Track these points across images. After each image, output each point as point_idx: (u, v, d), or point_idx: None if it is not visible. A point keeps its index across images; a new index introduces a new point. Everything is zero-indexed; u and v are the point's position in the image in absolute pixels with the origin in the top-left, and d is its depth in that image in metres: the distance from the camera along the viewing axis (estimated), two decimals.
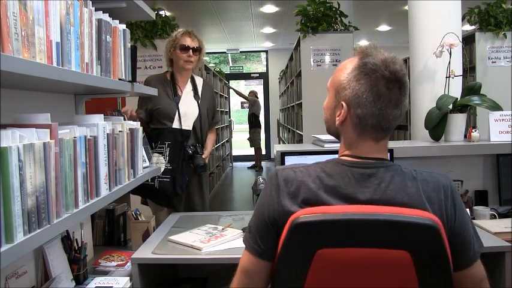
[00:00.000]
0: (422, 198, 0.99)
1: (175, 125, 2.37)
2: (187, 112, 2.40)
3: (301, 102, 4.42)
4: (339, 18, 4.22)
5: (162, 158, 2.31)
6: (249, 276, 1.07)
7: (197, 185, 2.51)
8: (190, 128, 2.40)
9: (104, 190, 1.34)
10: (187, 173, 2.41)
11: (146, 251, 1.64)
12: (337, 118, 1.06)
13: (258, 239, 1.04)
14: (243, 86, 12.02)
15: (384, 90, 0.99)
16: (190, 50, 2.38)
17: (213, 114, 2.58)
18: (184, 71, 2.44)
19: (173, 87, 2.43)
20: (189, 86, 2.48)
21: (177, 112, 2.37)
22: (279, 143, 9.20)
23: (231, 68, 11.66)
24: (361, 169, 1.02)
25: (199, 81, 2.54)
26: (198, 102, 2.45)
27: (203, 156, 2.41)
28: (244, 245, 1.08)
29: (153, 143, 2.35)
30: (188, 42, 2.39)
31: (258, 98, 9.62)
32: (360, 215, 0.93)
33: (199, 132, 2.44)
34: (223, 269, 1.63)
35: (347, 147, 1.08)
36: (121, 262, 1.76)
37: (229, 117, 10.06)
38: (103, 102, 2.82)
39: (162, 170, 2.29)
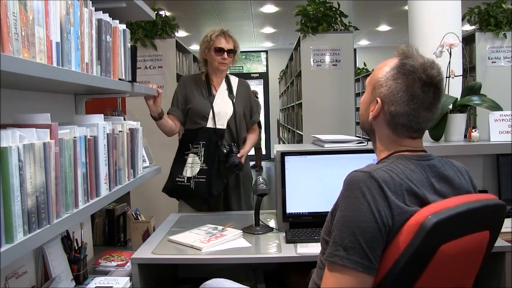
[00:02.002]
0: (467, 182, 1.11)
1: (210, 124, 2.35)
2: (221, 111, 2.38)
3: (301, 102, 4.42)
4: (339, 18, 4.21)
5: (197, 158, 2.31)
6: None
7: (234, 186, 2.45)
8: (224, 126, 2.37)
9: (104, 190, 1.34)
10: (225, 174, 2.35)
11: (146, 251, 1.64)
12: (371, 113, 1.12)
13: (369, 252, 0.94)
14: None
15: (419, 92, 1.04)
16: (225, 53, 2.37)
17: (250, 113, 2.54)
18: (219, 71, 2.45)
19: (208, 87, 2.43)
20: (223, 85, 2.47)
21: (211, 111, 2.36)
22: (279, 143, 9.19)
23: (231, 68, 11.63)
24: (424, 161, 1.08)
25: (234, 80, 2.54)
26: (232, 101, 2.43)
27: (238, 155, 2.34)
28: (339, 269, 0.96)
29: (190, 143, 2.34)
30: (223, 44, 2.37)
31: (258, 98, 9.62)
32: (471, 204, 1.00)
33: (235, 131, 2.41)
34: (223, 269, 1.63)
35: (391, 145, 1.12)
36: (121, 262, 1.76)
37: None
38: (103, 102, 2.82)
39: (197, 170, 2.30)
